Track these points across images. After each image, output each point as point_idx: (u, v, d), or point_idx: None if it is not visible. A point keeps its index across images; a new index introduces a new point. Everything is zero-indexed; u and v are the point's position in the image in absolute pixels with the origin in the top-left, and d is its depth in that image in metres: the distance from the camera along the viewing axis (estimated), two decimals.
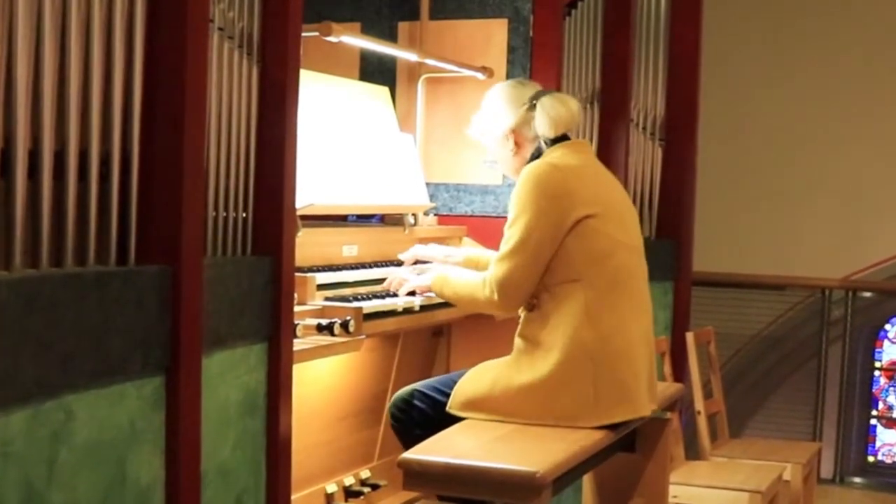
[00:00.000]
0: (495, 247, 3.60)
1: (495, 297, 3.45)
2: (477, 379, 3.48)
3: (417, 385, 3.66)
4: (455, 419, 3.45)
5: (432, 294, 3.88)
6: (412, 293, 3.93)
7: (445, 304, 4.04)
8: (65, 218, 2.26)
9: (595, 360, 3.33)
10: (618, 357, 3.36)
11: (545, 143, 3.57)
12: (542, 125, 3.55)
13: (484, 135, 3.74)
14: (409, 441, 3.41)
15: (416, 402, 3.59)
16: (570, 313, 3.36)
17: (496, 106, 3.68)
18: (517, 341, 3.48)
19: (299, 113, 3.04)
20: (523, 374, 3.39)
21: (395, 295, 3.92)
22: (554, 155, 3.52)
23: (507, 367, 3.45)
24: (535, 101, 3.60)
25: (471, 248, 4.40)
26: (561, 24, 4.97)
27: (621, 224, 3.50)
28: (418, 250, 4.25)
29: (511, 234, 3.43)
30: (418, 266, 4.11)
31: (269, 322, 2.95)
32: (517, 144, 3.63)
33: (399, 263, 4.24)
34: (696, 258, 6.00)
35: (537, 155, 3.57)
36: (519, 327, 3.50)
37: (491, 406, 3.41)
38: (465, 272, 3.71)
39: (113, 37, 2.37)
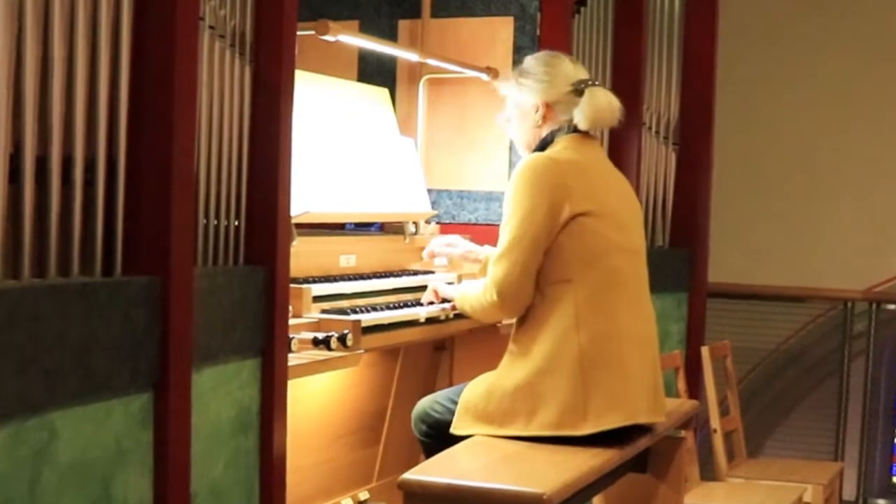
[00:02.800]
0: None
1: (495, 298, 3.46)
2: (473, 391, 3.50)
3: (437, 397, 3.67)
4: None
5: (448, 304, 3.97)
6: (442, 300, 4.00)
7: (448, 318, 4.06)
8: (47, 226, 2.26)
9: (583, 364, 3.34)
10: (607, 361, 3.37)
11: (567, 129, 3.56)
12: (581, 115, 3.52)
13: (512, 96, 3.67)
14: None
15: (437, 415, 3.62)
16: (560, 315, 3.38)
17: (540, 73, 3.61)
18: (510, 346, 3.50)
19: (294, 116, 3.04)
20: (514, 376, 3.41)
21: (394, 307, 3.92)
22: (556, 149, 3.52)
23: (499, 373, 3.48)
24: (584, 87, 3.56)
25: (491, 248, 4.38)
26: (569, 22, 4.98)
27: (619, 225, 3.51)
28: (438, 242, 4.23)
29: (506, 232, 3.45)
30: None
31: (263, 336, 2.95)
32: (544, 119, 3.59)
33: (401, 273, 4.25)
34: (712, 268, 5.99)
35: (546, 142, 3.57)
36: (513, 331, 3.52)
37: (489, 416, 3.42)
38: (478, 283, 3.70)
39: (98, 35, 2.38)
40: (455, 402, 3.57)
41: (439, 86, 5.05)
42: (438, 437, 3.58)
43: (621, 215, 3.54)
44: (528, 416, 3.37)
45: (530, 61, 3.68)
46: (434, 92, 5.06)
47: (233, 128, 2.89)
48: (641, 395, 3.44)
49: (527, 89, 3.61)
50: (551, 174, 3.43)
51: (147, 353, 2.45)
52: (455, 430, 3.48)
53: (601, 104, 3.54)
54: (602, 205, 3.47)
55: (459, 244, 4.23)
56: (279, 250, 2.98)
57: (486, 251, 4.18)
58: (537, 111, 3.59)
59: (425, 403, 3.69)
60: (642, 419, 3.44)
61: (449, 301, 3.98)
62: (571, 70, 3.62)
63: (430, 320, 4.01)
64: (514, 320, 3.56)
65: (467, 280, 4.15)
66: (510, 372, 3.43)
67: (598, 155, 3.64)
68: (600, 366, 3.35)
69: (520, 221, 3.41)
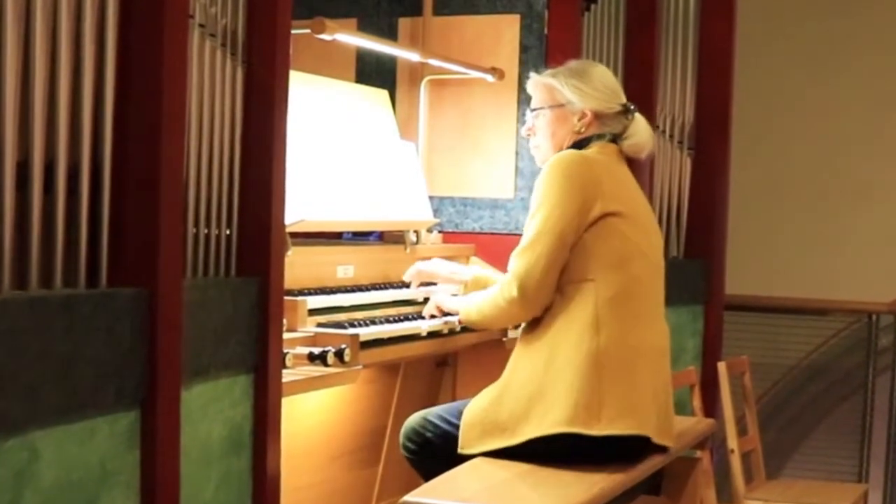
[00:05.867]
0: (505, 267, 3.61)
1: (515, 293, 3.48)
2: (478, 405, 3.52)
3: (428, 415, 3.67)
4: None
5: (452, 318, 3.97)
6: (444, 314, 4.01)
7: (452, 332, 4.05)
8: (29, 236, 2.26)
9: (598, 366, 3.38)
10: (620, 368, 3.41)
11: (606, 139, 3.63)
12: (630, 141, 3.66)
13: (557, 94, 3.70)
14: (430, 475, 3.44)
15: (428, 434, 3.62)
16: (579, 313, 3.42)
17: (596, 81, 3.69)
18: (520, 343, 3.52)
19: (289, 119, 3.04)
20: (526, 372, 3.44)
21: (394, 320, 3.92)
22: (586, 151, 3.60)
23: (509, 373, 3.50)
24: (633, 111, 3.68)
25: (478, 268, 4.40)
26: (579, 20, 4.98)
27: (644, 231, 3.59)
28: (420, 266, 4.24)
29: (532, 225, 3.49)
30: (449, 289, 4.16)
31: (256, 351, 2.94)
32: (587, 127, 3.65)
33: (401, 285, 4.24)
34: (729, 280, 5.99)
35: (579, 146, 3.63)
36: (523, 328, 3.53)
37: (500, 425, 3.43)
38: (488, 289, 3.73)
39: (82, 34, 2.37)
40: (446, 421, 3.58)
41: (441, 87, 5.05)
42: (427, 456, 3.59)
43: (647, 226, 3.62)
44: (542, 416, 3.39)
45: (582, 66, 3.77)
46: (436, 94, 5.06)
47: (224, 131, 2.89)
48: (652, 410, 3.45)
49: (578, 92, 3.66)
50: (584, 170, 3.50)
51: (134, 369, 2.44)
52: (463, 449, 3.48)
53: (647, 133, 3.69)
54: (630, 208, 3.55)
55: (442, 265, 4.23)
56: (273, 261, 2.98)
57: (471, 271, 4.18)
58: (582, 118, 3.65)
59: (414, 421, 3.70)
60: (652, 433, 3.45)
61: (453, 315, 3.99)
62: (620, 89, 3.73)
63: (433, 334, 4.00)
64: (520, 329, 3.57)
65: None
66: (521, 368, 3.46)
67: (624, 165, 3.70)
68: (614, 371, 3.39)
69: (547, 215, 3.45)
